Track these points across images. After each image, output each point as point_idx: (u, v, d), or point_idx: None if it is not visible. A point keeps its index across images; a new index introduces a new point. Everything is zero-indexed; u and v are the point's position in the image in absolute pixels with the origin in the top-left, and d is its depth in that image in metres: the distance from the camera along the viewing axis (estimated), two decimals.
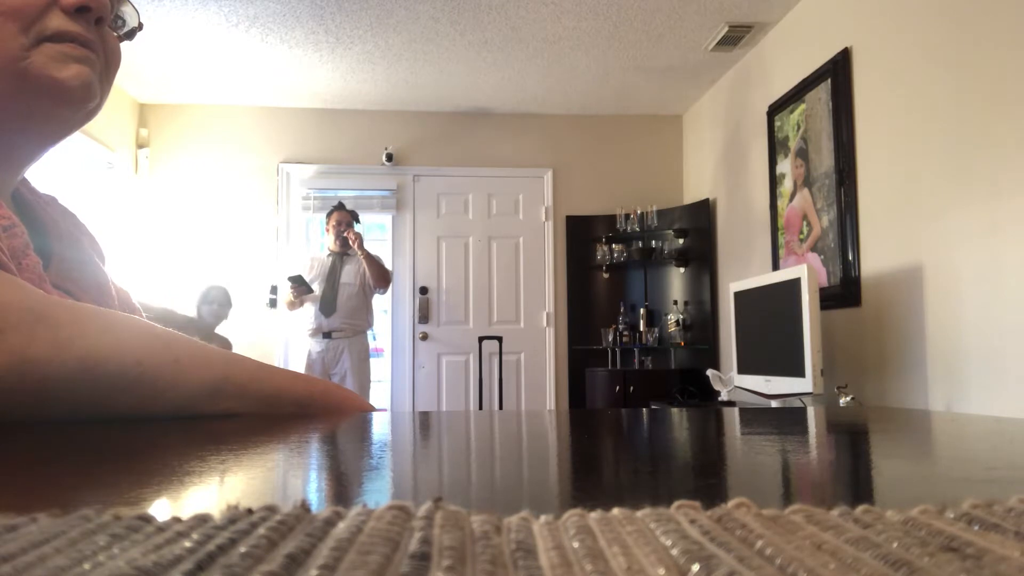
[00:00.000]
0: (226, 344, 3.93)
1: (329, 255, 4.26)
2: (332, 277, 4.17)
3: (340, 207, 4.26)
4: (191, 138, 5.04)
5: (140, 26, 0.74)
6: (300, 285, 4.08)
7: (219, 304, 3.88)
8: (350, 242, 4.12)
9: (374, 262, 4.18)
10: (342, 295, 4.16)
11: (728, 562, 0.16)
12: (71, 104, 0.67)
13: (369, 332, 4.36)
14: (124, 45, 0.74)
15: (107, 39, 0.70)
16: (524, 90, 4.85)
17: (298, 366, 4.35)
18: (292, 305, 4.18)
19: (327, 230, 4.28)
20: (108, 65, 0.71)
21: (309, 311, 4.16)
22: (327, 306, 4.13)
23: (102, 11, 0.67)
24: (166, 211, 4.94)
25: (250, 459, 0.37)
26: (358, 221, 4.30)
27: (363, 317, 4.24)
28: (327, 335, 4.14)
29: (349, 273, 4.19)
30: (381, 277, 4.22)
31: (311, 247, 5.14)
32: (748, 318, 3.49)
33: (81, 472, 0.33)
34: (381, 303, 4.73)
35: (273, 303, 4.90)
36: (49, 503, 0.21)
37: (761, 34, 4.01)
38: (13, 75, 0.63)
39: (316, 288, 4.14)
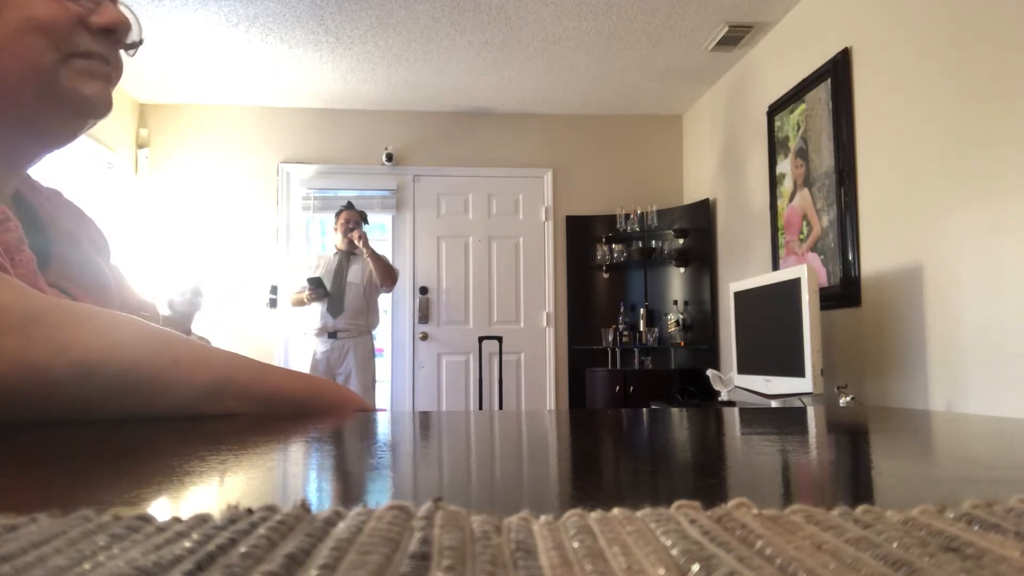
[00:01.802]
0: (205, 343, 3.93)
1: (336, 254, 4.26)
2: (339, 277, 4.17)
3: (349, 206, 4.27)
4: (191, 138, 5.04)
5: (141, 41, 0.76)
6: (318, 288, 4.07)
7: (191, 293, 3.84)
8: (355, 241, 4.13)
9: (381, 260, 4.18)
10: (348, 294, 4.15)
11: (728, 562, 0.16)
12: (90, 117, 0.71)
13: (373, 332, 4.36)
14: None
15: (118, 55, 0.74)
16: (524, 90, 4.84)
17: (298, 366, 4.35)
18: (300, 303, 4.18)
19: (335, 229, 4.29)
20: (117, 79, 0.75)
21: (315, 311, 4.16)
22: (335, 306, 4.12)
23: (126, 34, 0.72)
24: (166, 211, 4.94)
25: (250, 459, 0.37)
26: (366, 221, 4.30)
27: (368, 317, 4.24)
28: (332, 335, 4.13)
29: (355, 273, 4.19)
30: (388, 275, 4.22)
31: (311, 247, 5.14)
32: (748, 318, 3.49)
33: (81, 472, 0.33)
34: (382, 303, 4.73)
35: (273, 303, 4.90)
36: (49, 503, 0.21)
37: (761, 34, 4.01)
38: (40, 86, 0.67)
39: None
